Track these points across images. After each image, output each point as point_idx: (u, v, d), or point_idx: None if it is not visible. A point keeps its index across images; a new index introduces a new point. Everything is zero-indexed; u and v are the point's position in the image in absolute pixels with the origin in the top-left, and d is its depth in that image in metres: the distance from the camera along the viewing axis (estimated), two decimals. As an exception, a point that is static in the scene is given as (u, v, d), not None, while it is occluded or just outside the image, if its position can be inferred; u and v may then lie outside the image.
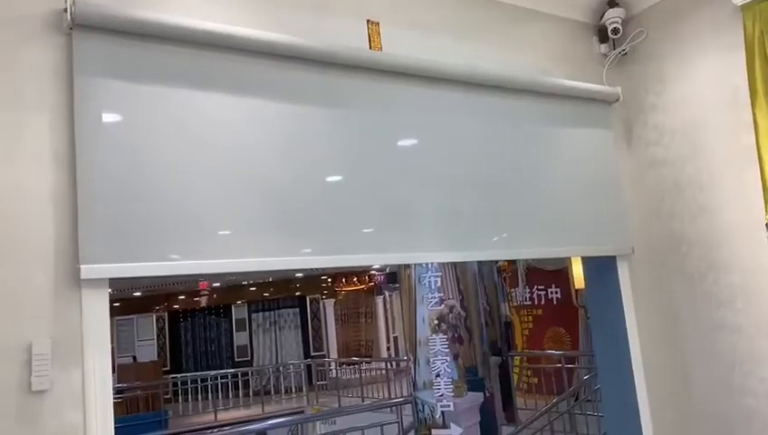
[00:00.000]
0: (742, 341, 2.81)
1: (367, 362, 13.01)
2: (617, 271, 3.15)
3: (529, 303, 8.68)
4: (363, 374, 11.70)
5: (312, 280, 15.64)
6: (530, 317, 8.75)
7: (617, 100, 3.20)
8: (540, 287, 8.51)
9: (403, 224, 2.52)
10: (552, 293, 8.45)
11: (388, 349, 14.92)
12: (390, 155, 2.56)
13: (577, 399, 6.58)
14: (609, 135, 3.22)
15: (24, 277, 1.81)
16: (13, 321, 1.77)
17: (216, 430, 7.62)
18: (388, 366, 11.82)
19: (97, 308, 1.89)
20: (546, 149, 3.02)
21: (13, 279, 1.78)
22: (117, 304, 13.62)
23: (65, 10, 1.90)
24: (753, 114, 2.63)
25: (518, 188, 2.87)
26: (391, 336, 14.77)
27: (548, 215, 2.92)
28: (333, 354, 15.36)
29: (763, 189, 2.59)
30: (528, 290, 8.68)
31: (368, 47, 2.53)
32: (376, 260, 2.68)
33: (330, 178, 2.41)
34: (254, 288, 16.30)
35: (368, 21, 2.57)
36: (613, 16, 3.19)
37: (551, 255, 3.05)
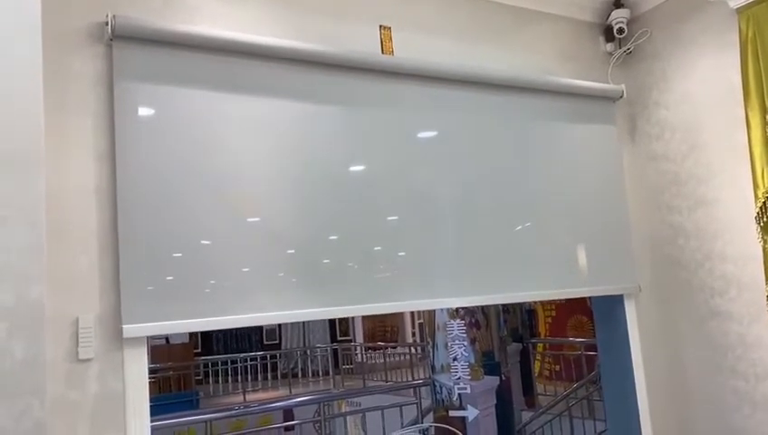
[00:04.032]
0: (734, 327, 2.97)
1: (392, 348, 13.21)
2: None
3: (552, 291, 8.75)
4: (388, 359, 11.94)
5: (339, 266, 15.72)
6: (552, 306, 8.85)
7: (621, 97, 3.34)
8: (562, 276, 8.56)
9: (415, 268, 2.70)
10: (574, 281, 8.49)
11: (413, 334, 15.08)
12: (403, 159, 2.74)
13: (596, 384, 6.68)
14: (614, 131, 3.36)
15: (72, 259, 2.06)
16: (62, 298, 2.00)
17: (244, 408, 7.93)
18: (413, 351, 12.03)
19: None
20: (552, 147, 3.16)
21: (62, 261, 2.02)
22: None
23: (106, 23, 2.14)
24: (745, 112, 2.77)
25: (525, 208, 3.03)
26: (416, 322, 14.93)
27: (554, 247, 3.07)
28: (359, 339, 15.59)
29: (754, 184, 2.73)
30: (551, 279, 8.72)
31: (380, 51, 2.72)
32: (392, 308, 2.72)
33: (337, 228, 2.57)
34: (282, 274, 16.49)
35: (380, 26, 2.75)
36: (619, 16, 3.33)
37: (559, 296, 3.15)
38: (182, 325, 2.22)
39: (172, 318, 2.16)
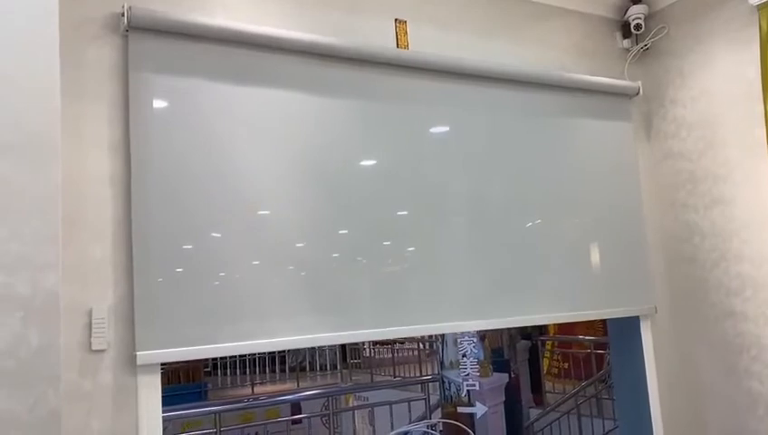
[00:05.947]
0: (749, 327, 2.94)
1: (400, 343, 13.20)
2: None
3: (562, 289, 8.70)
4: (396, 355, 11.94)
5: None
6: (561, 303, 8.79)
7: (637, 94, 3.31)
8: (573, 274, 8.52)
9: (430, 290, 2.65)
10: (584, 279, 8.44)
11: (422, 330, 15.08)
12: (415, 153, 2.71)
13: (605, 383, 6.66)
14: (629, 128, 3.32)
15: (86, 249, 2.05)
16: (75, 288, 2.01)
17: (252, 401, 7.97)
18: (421, 347, 12.02)
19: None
20: (567, 144, 3.13)
21: (76, 251, 2.03)
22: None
23: (122, 14, 2.13)
24: (765, 109, 2.73)
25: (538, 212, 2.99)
26: (424, 318, 14.89)
27: (567, 256, 3.03)
28: (367, 334, 15.58)
29: (772, 183, 2.71)
30: (562, 276, 8.68)
31: (395, 45, 2.70)
32: (405, 332, 2.72)
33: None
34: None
35: (395, 20, 2.74)
36: (636, 12, 3.29)
37: (573, 319, 3.05)
38: (197, 352, 2.21)
39: (185, 330, 2.15)
